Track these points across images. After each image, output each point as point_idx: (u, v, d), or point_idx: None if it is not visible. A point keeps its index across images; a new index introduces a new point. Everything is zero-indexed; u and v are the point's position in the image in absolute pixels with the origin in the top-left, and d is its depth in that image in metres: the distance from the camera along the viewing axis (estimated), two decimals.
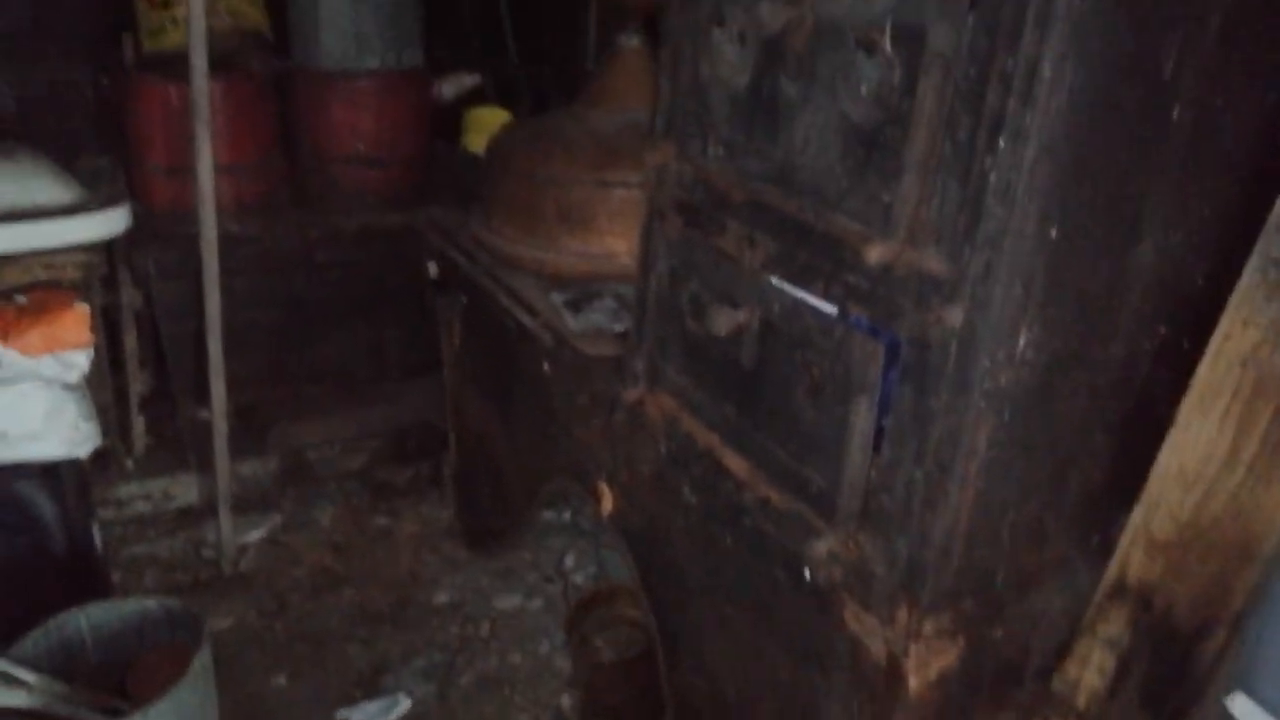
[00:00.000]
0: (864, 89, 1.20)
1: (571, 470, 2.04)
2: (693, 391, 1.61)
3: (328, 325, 3.16)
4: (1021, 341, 1.14)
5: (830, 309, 1.30)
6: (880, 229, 1.21)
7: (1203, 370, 1.28)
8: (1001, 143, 1.06)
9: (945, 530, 1.22)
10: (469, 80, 3.38)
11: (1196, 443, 1.29)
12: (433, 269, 2.58)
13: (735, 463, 1.52)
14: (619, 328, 1.92)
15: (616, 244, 2.12)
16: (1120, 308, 1.22)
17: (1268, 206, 1.21)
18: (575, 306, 1.99)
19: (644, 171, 1.66)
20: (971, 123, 1.08)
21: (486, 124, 3.17)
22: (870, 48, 1.18)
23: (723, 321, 1.43)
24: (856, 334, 1.25)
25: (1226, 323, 1.27)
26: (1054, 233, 1.11)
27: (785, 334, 1.39)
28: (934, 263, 1.15)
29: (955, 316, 1.13)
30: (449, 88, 3.33)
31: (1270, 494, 1.26)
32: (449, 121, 3.35)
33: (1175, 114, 1.13)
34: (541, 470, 2.21)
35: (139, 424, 2.91)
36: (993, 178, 1.07)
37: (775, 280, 1.39)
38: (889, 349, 1.22)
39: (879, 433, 1.26)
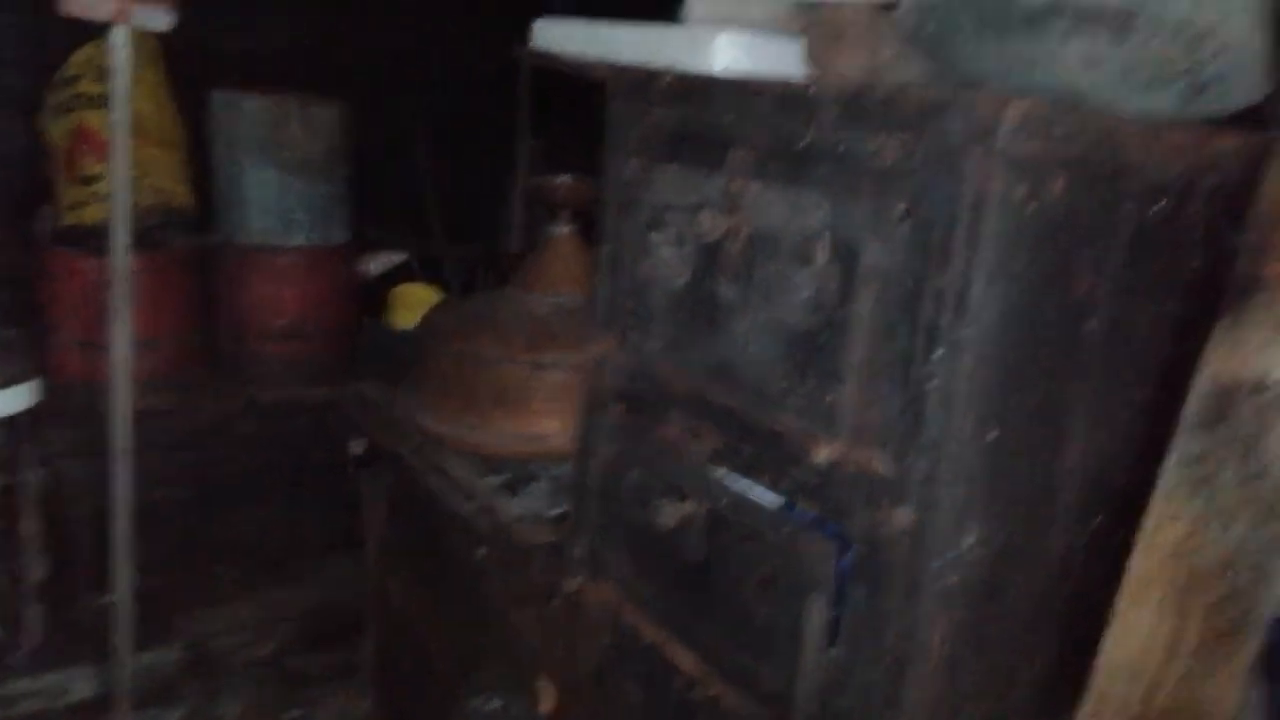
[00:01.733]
0: (801, 297, 1.27)
1: (505, 659, 1.97)
2: (637, 582, 1.60)
3: (242, 501, 3.06)
4: (968, 541, 1.18)
5: (779, 504, 1.32)
6: (825, 428, 1.25)
7: (1136, 562, 1.33)
8: (938, 353, 1.12)
9: None
10: (395, 258, 3.43)
11: (1137, 634, 1.33)
12: (356, 446, 2.53)
13: (684, 658, 1.49)
14: (556, 512, 1.90)
15: (551, 425, 2.12)
16: (1056, 503, 1.27)
17: (1178, 406, 1.30)
18: (511, 489, 1.97)
19: (585, 359, 1.70)
20: (908, 333, 1.15)
21: (413, 301, 3.20)
22: (807, 260, 1.25)
23: (669, 514, 1.44)
24: (807, 530, 1.27)
25: (1154, 516, 1.33)
26: (992, 436, 1.16)
27: (734, 527, 1.40)
28: (880, 464, 1.19)
29: (904, 518, 1.16)
30: (375, 265, 3.37)
31: (1215, 684, 1.29)
32: (375, 298, 3.37)
33: (1090, 325, 1.22)
34: (472, 658, 2.12)
35: (34, 613, 2.71)
36: (931, 385, 1.13)
37: (722, 473, 1.41)
38: (840, 546, 1.24)
39: (834, 631, 1.26)
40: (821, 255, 1.23)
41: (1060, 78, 1.13)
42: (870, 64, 1.34)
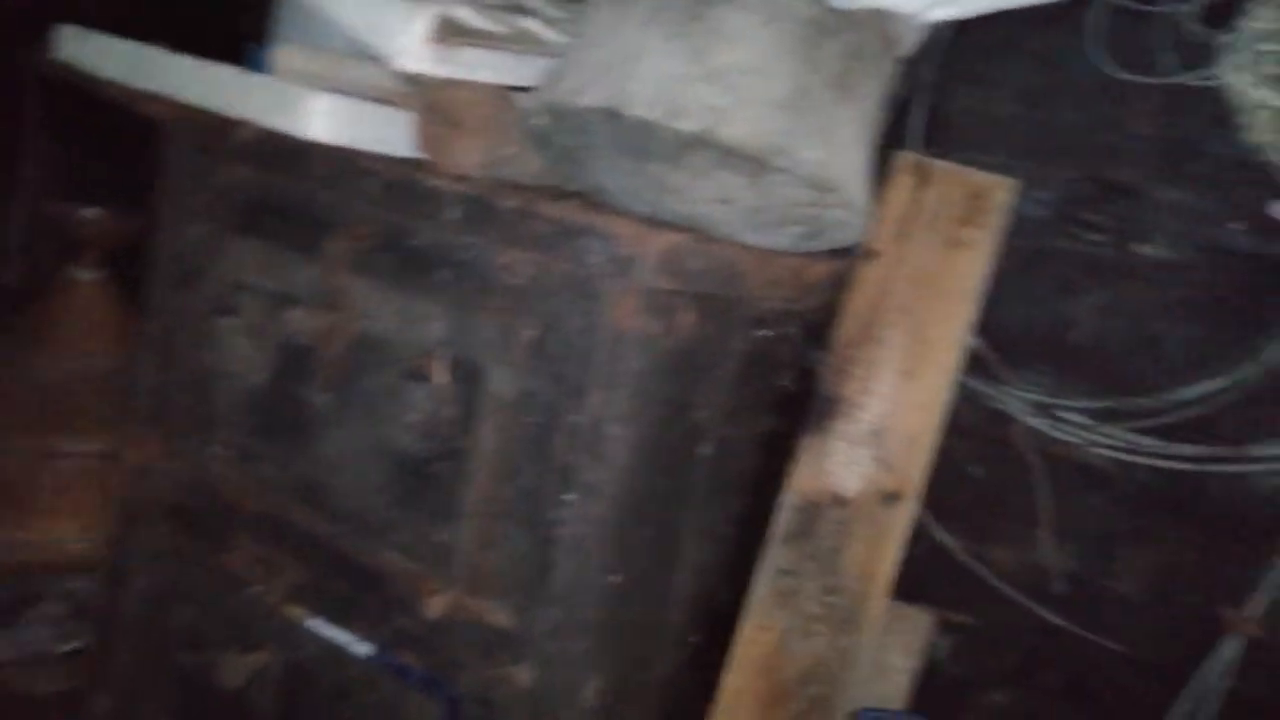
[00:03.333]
0: (413, 417, 1.10)
1: None
2: None
3: None
4: (587, 693, 1.09)
5: (375, 656, 1.13)
6: (436, 572, 1.09)
7: (729, 678, 1.35)
8: (570, 496, 1.02)
9: None
10: None
11: None
12: None
13: None
14: (71, 646, 1.50)
15: (66, 527, 1.69)
16: (664, 631, 1.24)
17: (767, 522, 1.34)
18: (5, 617, 1.52)
19: (116, 448, 1.36)
20: (537, 472, 1.04)
21: None
22: (420, 376, 1.10)
23: (234, 670, 1.18)
24: (410, 691, 1.10)
25: (745, 630, 1.36)
26: (615, 579, 1.09)
27: (319, 684, 1.17)
28: (499, 615, 1.06)
29: (524, 676, 1.04)
30: None
31: None
32: None
33: (703, 449, 1.21)
34: None
35: None
36: (561, 532, 1.03)
37: (305, 616, 1.18)
38: (449, 708, 1.08)
39: None
40: (439, 373, 1.08)
41: (693, 208, 1.11)
42: (490, 157, 1.21)
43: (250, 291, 1.22)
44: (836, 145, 1.08)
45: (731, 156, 1.03)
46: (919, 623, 1.53)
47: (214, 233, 1.26)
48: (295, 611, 1.19)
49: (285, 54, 1.26)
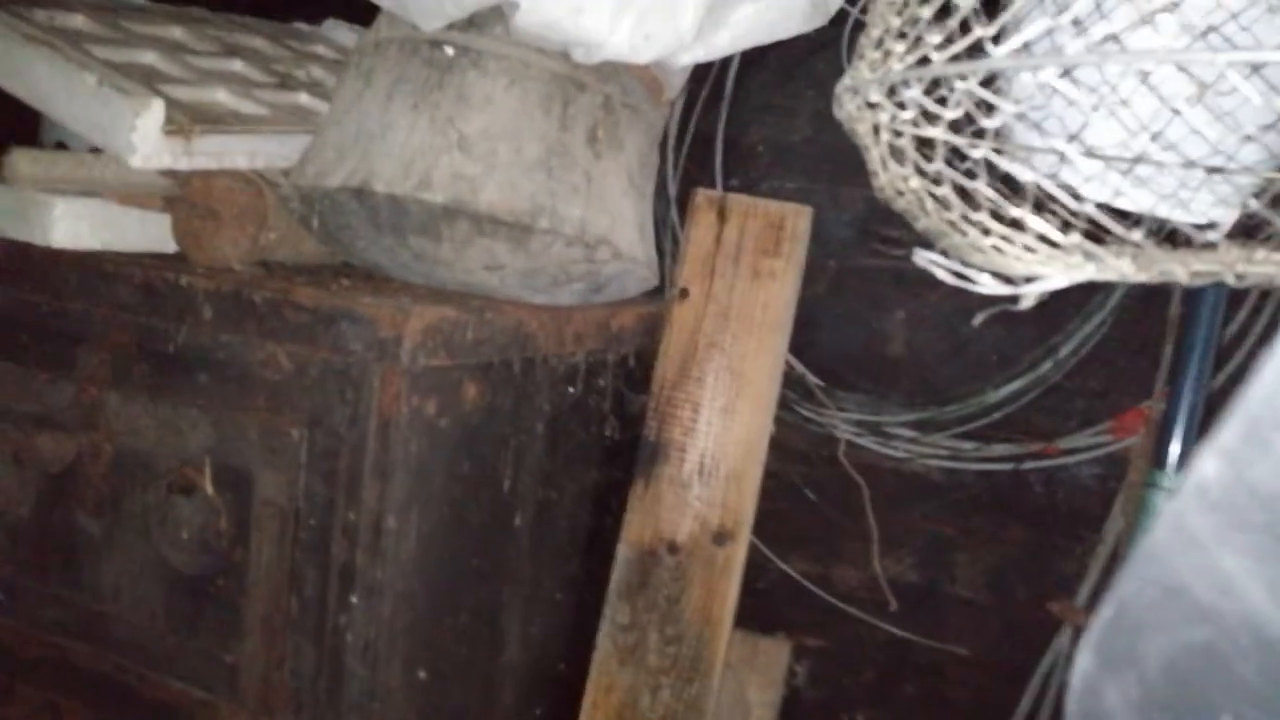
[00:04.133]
0: (185, 534, 1.03)
1: None
2: None
3: None
4: None
5: None
6: (227, 696, 1.01)
7: None
8: (355, 599, 0.96)
9: None
10: None
11: None
12: None
13: None
14: None
15: None
16: (496, 710, 1.18)
17: (608, 575, 1.30)
18: None
19: None
20: (319, 577, 0.97)
21: None
22: (187, 490, 1.02)
23: None
24: None
25: (591, 692, 1.31)
26: (422, 675, 1.03)
27: None
28: None
29: None
30: None
31: None
32: None
33: (518, 519, 1.16)
34: None
35: None
36: (349, 637, 0.96)
37: None
38: None
39: None
40: (206, 485, 1.01)
41: (464, 277, 1.06)
42: (255, 244, 1.15)
43: (6, 419, 1.12)
44: (599, 200, 1.05)
45: (489, 223, 0.99)
46: (775, 653, 1.51)
47: None
48: None
49: (22, 158, 1.17)
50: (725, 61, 1.42)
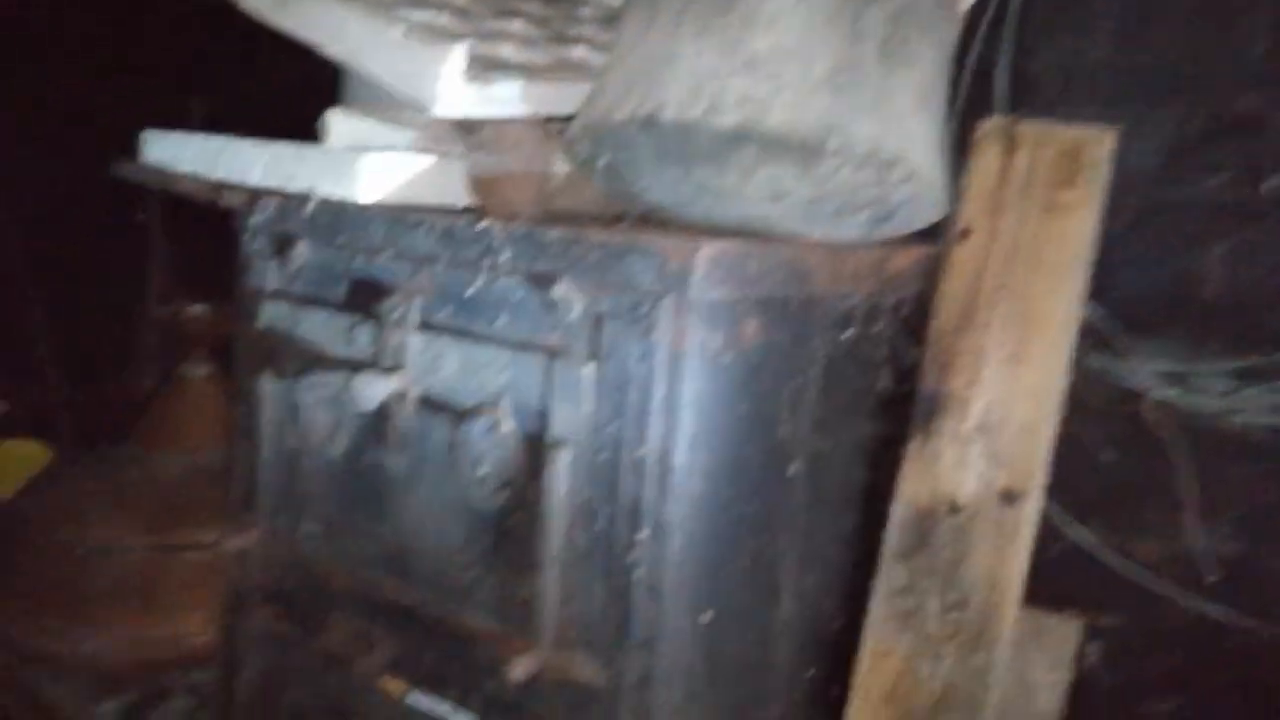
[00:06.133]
0: (483, 470, 1.07)
1: None
2: None
3: None
4: None
5: None
6: (522, 630, 1.04)
7: (852, 713, 1.24)
8: (642, 535, 0.96)
9: None
10: None
11: None
12: None
13: None
14: None
15: (189, 621, 1.73)
16: (772, 666, 1.15)
17: (882, 533, 1.24)
18: (135, 717, 1.56)
19: (222, 551, 1.37)
20: (609, 513, 0.98)
21: (15, 463, 2.61)
22: (486, 427, 1.06)
23: None
24: None
25: (866, 657, 1.25)
26: (706, 618, 1.01)
27: None
28: (587, 671, 0.99)
29: None
30: None
31: None
32: None
33: (793, 468, 1.12)
34: None
35: None
36: (638, 573, 0.96)
37: (403, 691, 1.15)
38: None
39: None
40: (504, 421, 1.04)
41: (746, 209, 1.04)
42: (541, 193, 1.18)
43: (324, 364, 1.22)
44: (892, 117, 1.00)
45: (777, 147, 0.96)
46: (1064, 632, 1.39)
47: (289, 308, 1.27)
48: (394, 686, 1.16)
49: (336, 118, 1.27)
50: None
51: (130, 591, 1.72)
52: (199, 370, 2.02)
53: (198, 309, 2.05)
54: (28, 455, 2.69)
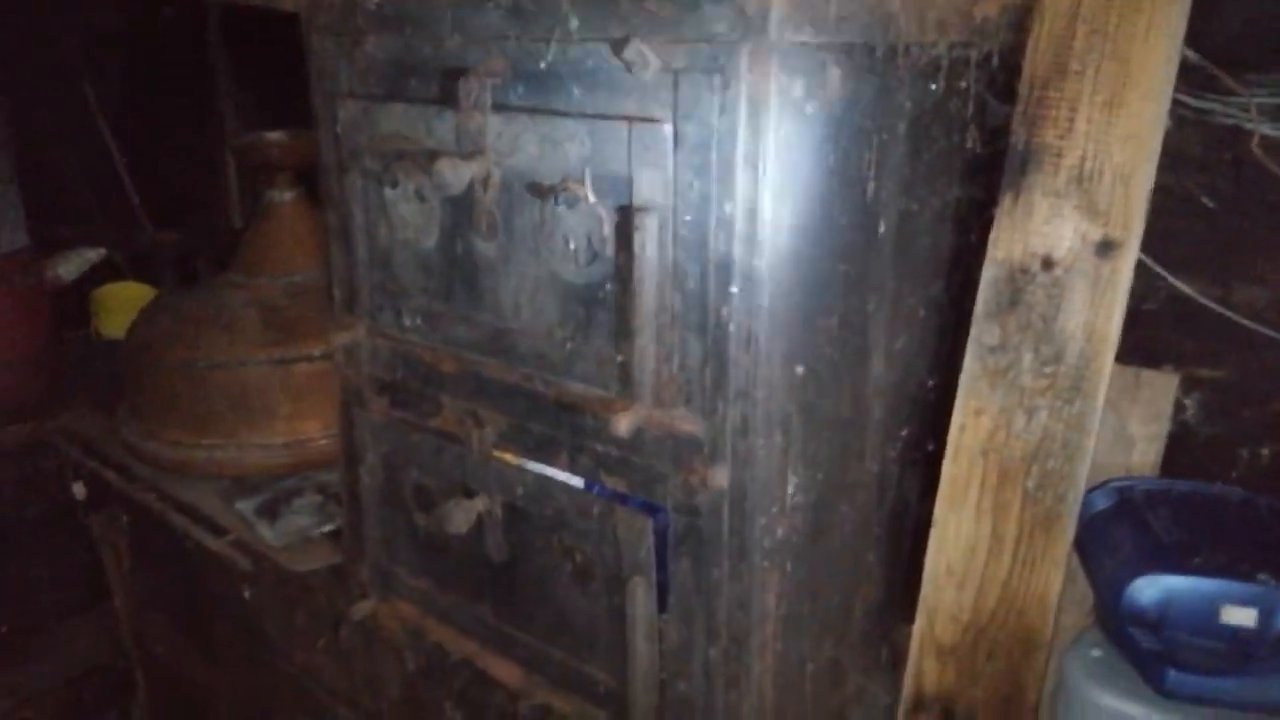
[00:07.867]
0: (572, 244, 1.09)
1: (297, 701, 1.72)
2: (436, 595, 1.39)
3: None
4: (790, 489, 1.06)
5: (580, 484, 1.16)
6: (621, 392, 1.08)
7: (948, 467, 1.28)
8: (734, 289, 0.98)
9: (752, 707, 1.10)
10: (92, 255, 2.93)
11: (958, 539, 1.28)
12: (79, 490, 2.14)
13: (503, 670, 1.31)
14: (329, 527, 1.65)
15: (308, 426, 1.85)
16: (868, 425, 1.18)
17: (972, 297, 1.24)
18: (270, 512, 1.69)
19: (330, 350, 1.44)
20: (699, 272, 0.99)
21: (122, 302, 2.75)
22: (571, 201, 1.07)
23: (459, 517, 1.24)
24: (618, 508, 1.11)
25: (959, 415, 1.28)
26: (800, 370, 1.04)
27: (536, 518, 1.22)
28: (687, 423, 1.04)
29: (720, 477, 1.03)
30: (67, 267, 2.86)
31: (1038, 577, 1.26)
32: (76, 305, 2.87)
33: (881, 228, 1.12)
34: (261, 705, 1.85)
35: None
36: (732, 327, 0.98)
37: (513, 459, 1.22)
38: (656, 519, 1.09)
39: (663, 614, 1.12)
40: (588, 194, 1.05)
41: None
42: None
43: (406, 157, 1.24)
44: None
45: None
46: (1160, 385, 1.39)
47: (363, 108, 1.28)
48: (506, 456, 1.23)
49: None
50: None
51: (249, 404, 1.83)
52: (285, 195, 2.07)
53: (275, 135, 2.07)
54: (132, 295, 2.83)
